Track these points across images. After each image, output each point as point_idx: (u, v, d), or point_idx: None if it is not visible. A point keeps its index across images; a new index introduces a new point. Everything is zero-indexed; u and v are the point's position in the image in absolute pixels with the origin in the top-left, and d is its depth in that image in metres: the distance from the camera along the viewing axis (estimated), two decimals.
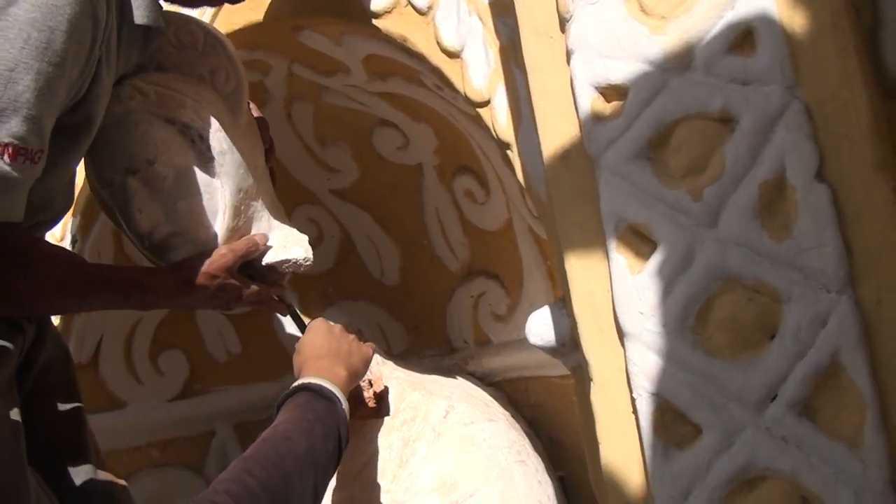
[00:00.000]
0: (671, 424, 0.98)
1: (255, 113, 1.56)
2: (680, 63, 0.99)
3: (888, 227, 0.93)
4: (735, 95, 0.96)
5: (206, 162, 1.36)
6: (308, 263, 1.50)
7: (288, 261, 1.46)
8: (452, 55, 1.44)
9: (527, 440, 1.77)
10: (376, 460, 1.64)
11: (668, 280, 0.97)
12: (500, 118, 1.38)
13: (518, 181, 1.39)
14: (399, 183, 1.96)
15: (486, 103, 1.41)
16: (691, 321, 0.97)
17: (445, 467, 1.62)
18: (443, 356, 2.02)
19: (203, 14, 1.61)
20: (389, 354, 2.03)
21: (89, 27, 1.10)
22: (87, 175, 1.40)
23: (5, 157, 1.01)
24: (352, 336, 1.47)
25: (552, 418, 1.83)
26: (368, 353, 1.47)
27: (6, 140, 1.01)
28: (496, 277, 1.91)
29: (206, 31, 1.45)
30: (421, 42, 1.49)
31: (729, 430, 0.95)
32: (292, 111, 1.92)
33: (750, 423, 0.94)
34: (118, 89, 1.32)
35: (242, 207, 1.42)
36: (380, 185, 1.98)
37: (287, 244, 1.48)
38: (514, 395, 1.90)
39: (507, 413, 1.82)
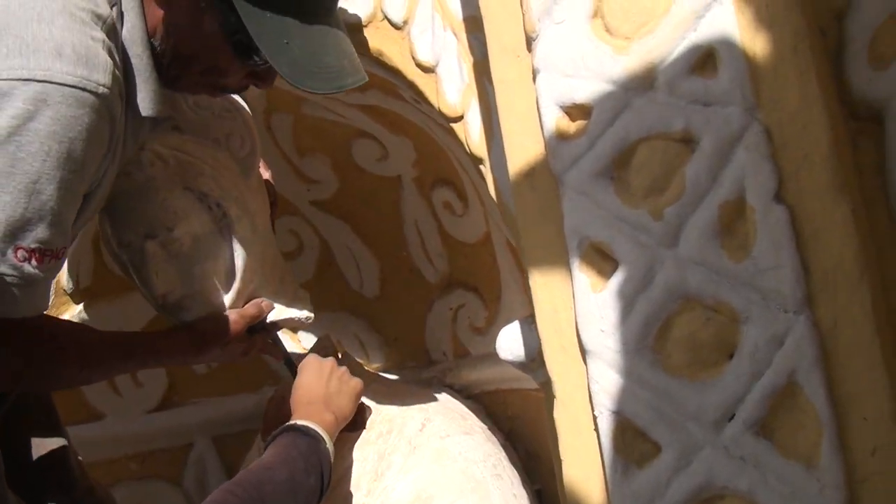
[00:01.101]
0: (631, 442, 0.98)
1: (264, 171, 1.63)
2: (643, 83, 1.00)
3: (846, 248, 0.94)
4: (696, 116, 0.97)
5: (222, 228, 1.43)
6: (309, 322, 1.60)
7: (290, 319, 1.56)
8: (427, 70, 1.45)
9: (503, 453, 1.77)
10: (351, 474, 1.64)
11: (629, 299, 0.98)
12: (473, 133, 1.39)
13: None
14: (379, 194, 1.96)
15: (459, 118, 1.42)
16: (651, 340, 0.98)
17: (420, 481, 1.62)
18: (422, 368, 2.02)
19: None
20: (368, 366, 2.04)
21: (107, 129, 1.15)
22: (103, 235, 1.46)
23: (33, 261, 1.09)
24: (342, 370, 1.54)
25: (529, 431, 1.84)
26: (357, 387, 1.55)
27: (33, 246, 1.08)
28: (475, 290, 1.92)
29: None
30: (396, 56, 1.50)
31: (687, 448, 0.95)
32: (272, 122, 1.92)
33: (708, 441, 0.95)
34: (140, 155, 1.39)
35: (253, 268, 1.49)
36: (359, 197, 1.99)
37: (290, 301, 1.57)
38: (493, 407, 1.90)
39: (484, 426, 1.82)
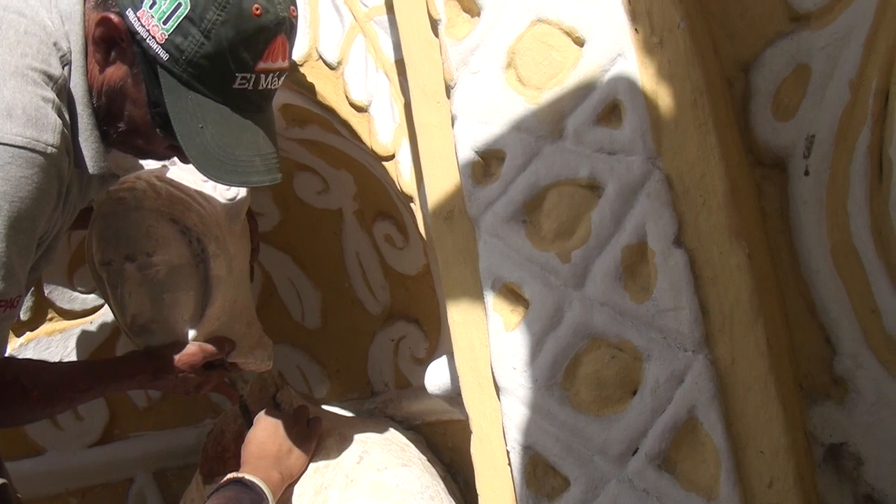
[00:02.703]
0: (542, 476, 1.01)
1: (250, 220, 1.69)
2: (552, 132, 1.05)
3: (742, 290, 0.99)
4: (601, 164, 1.02)
5: (199, 263, 1.50)
6: (268, 368, 1.67)
7: (249, 363, 1.62)
8: (360, 109, 1.48)
9: (442, 484, 1.78)
10: None
11: (539, 337, 1.02)
12: (403, 172, 1.43)
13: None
14: (320, 227, 1.98)
15: (391, 157, 1.45)
16: (560, 377, 1.02)
17: None
18: (364, 399, 2.03)
19: None
20: (310, 398, 2.05)
21: (55, 186, 1.19)
22: (87, 252, 1.53)
23: None
24: (297, 429, 1.60)
25: (468, 462, 1.85)
26: (309, 449, 1.62)
27: None
28: (416, 321, 1.94)
29: None
30: (331, 95, 1.54)
31: (594, 482, 0.99)
32: None
33: (613, 475, 0.98)
34: (135, 182, 1.48)
35: (222, 306, 1.55)
36: (301, 229, 2.01)
37: (252, 346, 1.63)
38: (433, 438, 1.92)
39: (423, 457, 1.83)
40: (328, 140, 1.78)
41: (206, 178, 1.55)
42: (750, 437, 0.97)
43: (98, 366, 1.60)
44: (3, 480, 1.56)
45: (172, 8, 1.18)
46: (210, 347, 1.53)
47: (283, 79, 1.33)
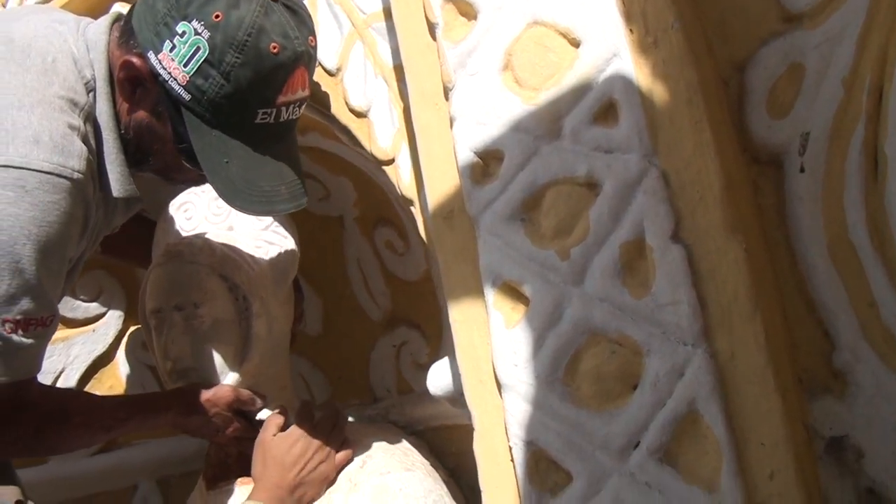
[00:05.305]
0: (545, 472, 1.02)
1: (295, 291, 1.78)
2: (549, 131, 1.06)
3: (740, 284, 1.00)
4: (599, 162, 1.03)
5: (242, 320, 1.59)
6: None
7: None
8: (360, 115, 1.50)
9: (445, 489, 1.79)
10: None
11: (540, 334, 1.03)
12: (403, 176, 1.44)
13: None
14: (321, 234, 2.00)
15: (391, 161, 1.47)
16: (561, 373, 1.03)
17: None
18: (366, 405, 2.03)
19: None
20: (312, 405, 2.05)
21: (81, 211, 1.24)
22: (140, 300, 1.64)
23: (18, 331, 1.18)
24: (319, 456, 1.59)
25: (472, 466, 1.86)
26: (328, 474, 1.61)
27: (18, 317, 1.17)
28: (417, 327, 1.95)
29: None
30: (331, 101, 1.55)
31: (596, 476, 0.99)
32: None
33: (615, 469, 0.99)
34: (194, 239, 1.58)
35: (257, 364, 1.62)
36: (302, 236, 2.01)
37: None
38: (437, 443, 1.92)
39: (426, 462, 1.84)
40: (328, 147, 1.80)
41: (259, 241, 1.68)
42: (750, 430, 0.98)
43: (136, 397, 1.67)
44: (17, 488, 1.58)
45: (192, 51, 1.22)
46: (243, 394, 1.58)
47: (304, 107, 1.36)
